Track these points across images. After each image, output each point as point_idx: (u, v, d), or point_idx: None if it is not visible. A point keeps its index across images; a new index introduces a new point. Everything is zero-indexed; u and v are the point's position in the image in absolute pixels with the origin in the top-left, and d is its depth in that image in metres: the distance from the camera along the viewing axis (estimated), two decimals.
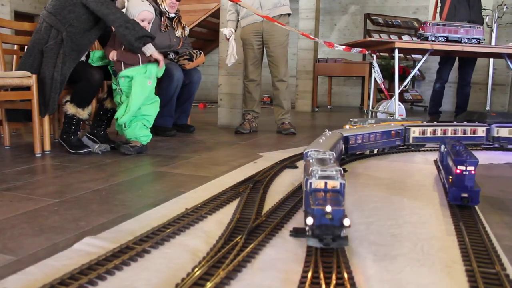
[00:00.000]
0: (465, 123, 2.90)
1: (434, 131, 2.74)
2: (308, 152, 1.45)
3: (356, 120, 2.68)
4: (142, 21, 2.53)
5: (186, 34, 3.67)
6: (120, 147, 2.54)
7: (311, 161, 1.27)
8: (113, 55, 2.49)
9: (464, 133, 2.79)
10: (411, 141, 2.72)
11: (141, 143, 2.56)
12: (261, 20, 3.48)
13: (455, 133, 2.77)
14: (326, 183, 1.10)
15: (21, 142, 2.98)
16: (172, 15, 3.53)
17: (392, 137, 2.60)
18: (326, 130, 2.14)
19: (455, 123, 2.87)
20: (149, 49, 2.47)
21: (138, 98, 2.46)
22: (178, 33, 3.59)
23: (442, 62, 4.83)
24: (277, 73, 3.62)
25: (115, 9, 2.43)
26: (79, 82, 2.49)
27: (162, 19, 3.48)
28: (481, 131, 2.86)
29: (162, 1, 3.48)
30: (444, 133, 2.75)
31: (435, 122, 2.87)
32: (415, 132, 2.70)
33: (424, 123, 2.85)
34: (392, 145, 2.63)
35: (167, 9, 3.49)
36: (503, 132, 2.84)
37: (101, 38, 2.78)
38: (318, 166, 1.18)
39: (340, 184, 1.10)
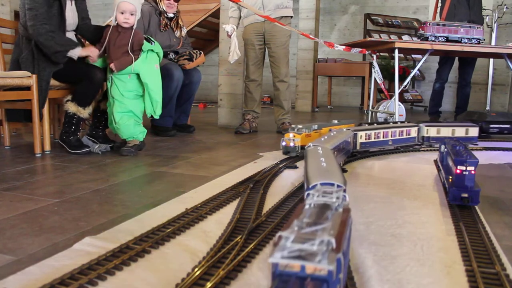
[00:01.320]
0: (399, 123, 2.74)
1: (377, 135, 2.50)
2: (315, 188, 1.01)
3: (300, 126, 2.39)
4: (122, 13, 2.50)
5: (183, 35, 3.67)
6: (121, 151, 2.53)
7: (306, 207, 0.85)
8: (112, 68, 2.48)
9: (402, 135, 2.63)
10: (358, 147, 2.43)
11: (139, 140, 2.57)
12: (262, 20, 3.48)
13: (394, 136, 2.58)
14: (303, 267, 0.63)
15: (21, 142, 2.98)
16: (171, 15, 3.53)
17: (349, 146, 2.28)
18: (310, 144, 1.79)
19: (391, 124, 2.69)
20: (74, 54, 2.46)
21: (156, 86, 2.55)
22: (177, 33, 3.59)
23: (441, 62, 4.83)
24: (278, 74, 3.62)
25: (34, 20, 2.36)
26: (81, 81, 2.49)
27: (161, 19, 3.49)
28: (414, 132, 2.73)
29: (160, 1, 3.48)
30: (385, 136, 2.54)
31: (375, 124, 2.62)
32: (362, 137, 2.44)
33: (366, 126, 2.59)
34: (348, 154, 2.31)
35: (164, 9, 3.49)
36: (432, 132, 2.74)
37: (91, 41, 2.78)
38: (303, 224, 0.74)
39: (329, 272, 0.62)
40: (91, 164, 2.26)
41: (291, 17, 3.62)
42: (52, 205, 1.53)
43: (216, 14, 6.55)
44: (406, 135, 2.65)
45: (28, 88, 2.41)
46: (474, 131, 2.81)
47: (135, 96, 2.56)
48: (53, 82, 2.55)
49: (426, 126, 2.75)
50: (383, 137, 2.52)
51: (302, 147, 2.31)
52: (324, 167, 1.24)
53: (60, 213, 1.44)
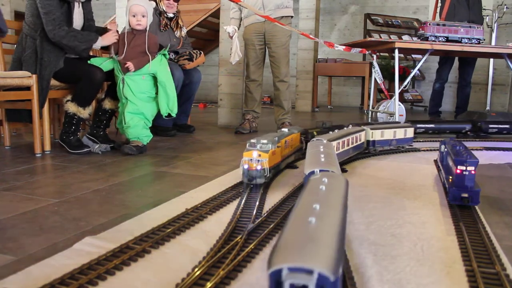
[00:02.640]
0: (350, 127, 2.45)
1: (343, 144, 2.16)
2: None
3: (264, 141, 1.74)
4: (134, 16, 2.57)
5: (183, 35, 3.67)
6: (124, 147, 2.54)
7: None
8: (129, 67, 2.50)
9: (356, 141, 2.35)
10: None
11: (142, 143, 2.57)
12: (263, 20, 3.48)
13: (352, 143, 2.30)
14: None
15: (21, 142, 2.98)
16: (171, 15, 3.53)
17: None
18: (317, 170, 1.23)
19: (345, 129, 2.40)
20: (97, 46, 2.55)
21: (172, 86, 2.62)
22: (177, 33, 3.59)
23: (441, 62, 4.83)
24: (278, 74, 3.63)
25: (53, 25, 2.39)
26: (81, 81, 2.50)
27: (161, 19, 3.49)
28: (363, 137, 2.48)
29: (160, 1, 3.48)
30: (348, 145, 2.23)
31: (336, 131, 2.30)
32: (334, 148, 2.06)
33: (333, 133, 2.25)
34: None
35: (164, 9, 3.49)
36: (377, 135, 2.56)
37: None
38: None
39: None
40: (91, 164, 2.26)
41: (292, 17, 3.62)
42: (52, 205, 1.53)
43: (216, 14, 6.55)
44: (358, 141, 2.42)
45: (28, 88, 2.41)
46: (410, 132, 2.75)
47: (147, 98, 2.59)
48: (53, 82, 2.55)
49: (371, 129, 2.56)
50: (347, 146, 2.25)
51: (271, 169, 1.76)
52: (312, 226, 0.68)
53: (60, 213, 1.44)
